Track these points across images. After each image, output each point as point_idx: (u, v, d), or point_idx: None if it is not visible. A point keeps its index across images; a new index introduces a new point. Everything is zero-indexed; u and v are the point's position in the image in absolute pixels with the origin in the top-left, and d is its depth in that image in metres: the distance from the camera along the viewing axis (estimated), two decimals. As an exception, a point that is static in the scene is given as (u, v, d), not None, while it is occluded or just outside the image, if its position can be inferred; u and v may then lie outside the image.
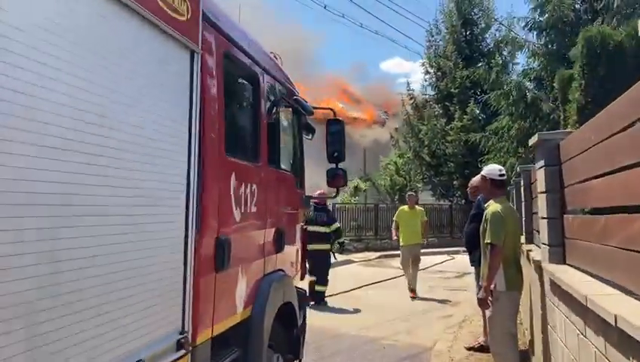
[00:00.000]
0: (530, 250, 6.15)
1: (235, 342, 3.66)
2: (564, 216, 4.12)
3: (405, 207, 11.77)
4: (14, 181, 1.65)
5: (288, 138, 5.26)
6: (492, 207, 5.12)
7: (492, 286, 4.97)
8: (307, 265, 10.59)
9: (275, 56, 5.40)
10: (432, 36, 26.84)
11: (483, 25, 25.61)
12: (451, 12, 25.72)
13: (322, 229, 10.36)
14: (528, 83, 15.57)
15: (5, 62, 1.61)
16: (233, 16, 3.99)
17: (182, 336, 2.73)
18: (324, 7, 20.02)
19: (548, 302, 4.58)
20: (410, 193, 12.81)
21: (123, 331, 2.23)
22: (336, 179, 5.57)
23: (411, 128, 25.77)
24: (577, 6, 14.09)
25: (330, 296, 10.55)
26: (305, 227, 5.77)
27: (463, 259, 12.42)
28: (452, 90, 24.60)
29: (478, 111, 23.85)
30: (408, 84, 27.40)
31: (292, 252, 5.17)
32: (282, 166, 4.83)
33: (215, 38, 3.27)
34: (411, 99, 26.45)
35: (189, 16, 2.75)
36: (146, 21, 2.38)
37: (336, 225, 10.97)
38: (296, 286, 5.57)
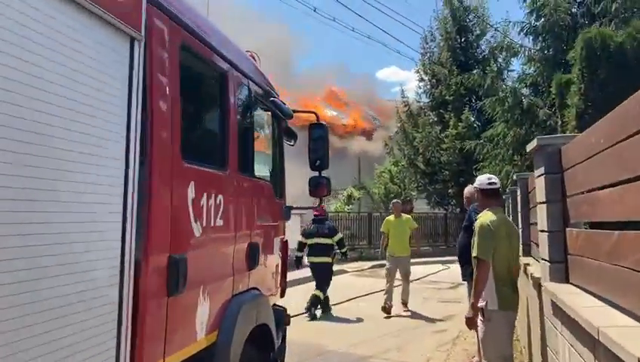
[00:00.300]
0: (528, 264, 5.74)
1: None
2: (567, 229, 3.71)
3: (391, 217, 10.92)
4: None
5: (265, 144, 4.85)
6: (482, 218, 4.71)
7: (483, 304, 4.57)
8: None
9: (252, 56, 5.01)
10: (427, 43, 26.57)
11: (478, 32, 25.32)
12: (446, 19, 25.43)
13: (324, 241, 10.35)
14: (524, 89, 15.21)
15: None
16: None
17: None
18: (314, 10, 19.29)
19: (548, 324, 4.16)
20: (394, 201, 11.84)
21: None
22: (319, 187, 5.16)
23: (406, 136, 25.40)
24: (574, 10, 13.76)
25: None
26: (286, 240, 5.33)
27: (457, 269, 11.94)
28: (447, 97, 24.26)
29: (473, 119, 23.52)
30: (402, 91, 27.09)
31: (269, 268, 4.74)
32: (257, 174, 4.41)
33: (168, 26, 2.85)
34: (406, 106, 26.09)
35: (128, -2, 2.34)
36: (70, 1, 1.97)
37: (339, 235, 10.77)
38: (275, 305, 5.15)
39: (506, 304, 4.57)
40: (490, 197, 4.81)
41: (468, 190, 7.09)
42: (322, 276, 10.36)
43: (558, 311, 3.44)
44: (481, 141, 17.56)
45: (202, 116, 3.59)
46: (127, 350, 2.32)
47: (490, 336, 4.66)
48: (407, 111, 26.04)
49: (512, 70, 21.56)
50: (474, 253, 4.59)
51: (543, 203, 3.96)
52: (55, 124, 1.87)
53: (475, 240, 4.60)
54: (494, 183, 4.82)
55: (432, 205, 25.80)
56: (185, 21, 3.06)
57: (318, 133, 5.10)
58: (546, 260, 3.98)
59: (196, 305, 3.17)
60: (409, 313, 10.13)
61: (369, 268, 18.71)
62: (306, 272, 16.68)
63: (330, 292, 10.59)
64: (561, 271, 3.78)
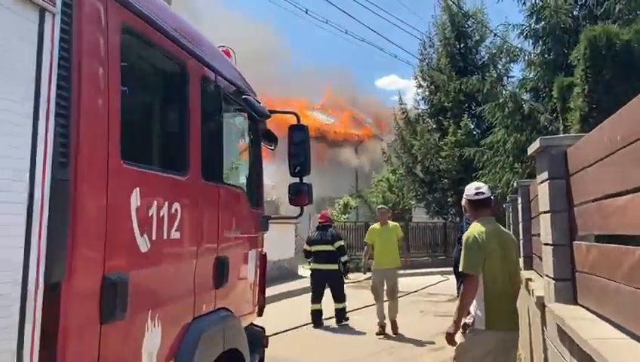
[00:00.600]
0: (531, 279, 5.27)
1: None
2: (574, 242, 3.26)
3: (376, 225, 9.85)
4: None
5: (238, 147, 4.41)
6: (469, 230, 4.29)
7: (470, 320, 4.11)
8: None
9: (226, 52, 4.59)
10: (425, 49, 26.14)
11: (477, 37, 24.93)
12: (444, 24, 25.04)
13: (327, 248, 10.08)
14: (525, 94, 14.74)
15: None
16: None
17: None
18: (306, 12, 18.80)
19: (552, 348, 3.70)
20: (380, 207, 10.75)
21: None
22: (300, 195, 4.69)
23: (404, 143, 24.94)
24: (575, 13, 13.33)
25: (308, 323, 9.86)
26: (265, 253, 4.87)
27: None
28: (445, 103, 23.83)
29: (472, 126, 23.07)
30: (400, 97, 26.66)
31: (243, 285, 4.28)
32: (228, 180, 3.97)
33: (104, 3, 2.41)
34: (404, 113, 25.65)
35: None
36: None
37: (340, 242, 10.32)
38: (253, 325, 4.69)
39: (495, 323, 4.06)
40: (479, 207, 4.39)
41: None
42: (334, 282, 10.07)
43: (566, 338, 2.97)
44: (481, 148, 17.10)
45: (153, 112, 3.13)
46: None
47: (470, 357, 4.16)
48: (405, 118, 25.58)
49: (512, 77, 21.17)
50: (460, 268, 4.20)
51: (547, 212, 3.51)
52: None
53: (462, 253, 4.21)
54: (483, 193, 4.40)
55: (431, 214, 25.27)
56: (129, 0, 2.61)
57: (299, 135, 4.65)
58: (550, 277, 3.53)
59: (142, 332, 2.70)
60: (398, 334, 9.13)
61: (365, 280, 18.13)
62: (300, 283, 16.33)
63: (324, 304, 10.17)
64: (568, 290, 3.32)
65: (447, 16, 24.92)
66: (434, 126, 24.90)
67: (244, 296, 4.34)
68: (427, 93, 25.25)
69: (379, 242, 9.41)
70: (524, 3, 14.44)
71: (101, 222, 2.34)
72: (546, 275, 3.68)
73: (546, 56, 13.82)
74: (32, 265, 1.88)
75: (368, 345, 8.42)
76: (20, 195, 1.84)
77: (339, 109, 36.11)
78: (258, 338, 4.59)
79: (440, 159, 23.29)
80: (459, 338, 4.20)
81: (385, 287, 9.32)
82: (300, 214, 4.83)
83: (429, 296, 14.31)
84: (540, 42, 13.90)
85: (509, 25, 14.73)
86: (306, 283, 16.59)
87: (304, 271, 20.30)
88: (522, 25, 14.20)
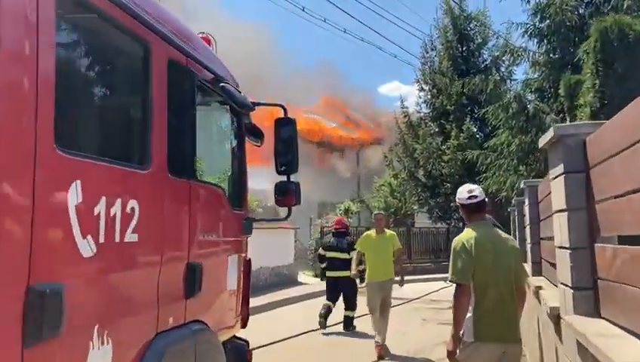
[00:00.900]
0: (540, 287, 4.83)
1: None
2: (596, 245, 2.82)
3: (372, 232, 8.67)
4: None
5: (217, 140, 3.99)
6: (459, 235, 3.99)
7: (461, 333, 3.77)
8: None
9: (206, 39, 4.19)
10: (427, 52, 25.77)
11: (480, 40, 24.54)
12: (446, 27, 24.66)
13: (343, 255, 9.85)
14: (529, 94, 14.30)
15: None
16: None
17: None
18: (303, 10, 18.35)
19: (570, 365, 3.25)
20: (377, 213, 9.57)
21: None
22: (287, 195, 4.25)
23: (406, 147, 24.51)
24: (581, 10, 12.89)
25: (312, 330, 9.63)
26: (249, 259, 4.44)
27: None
28: (448, 106, 23.41)
29: (475, 129, 22.63)
30: (402, 101, 26.24)
31: (222, 294, 3.86)
32: (202, 177, 3.55)
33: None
34: (405, 116, 25.23)
35: None
36: None
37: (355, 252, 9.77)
38: (235, 338, 4.26)
39: (485, 334, 3.69)
40: (472, 211, 4.03)
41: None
42: (347, 289, 9.83)
43: (589, 357, 2.53)
44: (484, 151, 16.64)
45: (103, 94, 2.71)
46: None
47: None
48: (407, 121, 25.16)
49: (515, 80, 20.73)
50: (448, 277, 3.88)
51: (563, 211, 3.07)
52: None
53: (450, 261, 3.91)
54: (476, 196, 4.03)
55: (433, 219, 24.81)
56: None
57: (286, 130, 4.21)
58: (566, 285, 3.09)
59: (85, 353, 2.27)
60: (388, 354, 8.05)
61: (363, 287, 17.72)
62: (299, 290, 15.88)
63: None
64: (589, 300, 2.89)
65: (448, 19, 24.55)
66: (436, 129, 24.48)
67: (223, 307, 3.91)
68: (429, 96, 24.84)
69: (373, 253, 8.32)
70: (528, 1, 14.04)
71: (24, 221, 1.92)
72: (562, 283, 3.24)
73: (551, 55, 13.38)
74: None
75: (367, 355, 7.97)
76: None
77: (338, 112, 35.68)
78: (241, 353, 4.16)
79: (442, 163, 22.85)
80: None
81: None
82: (288, 215, 4.40)
83: (432, 303, 13.83)
84: (545, 41, 13.44)
85: (513, 23, 14.30)
86: (306, 289, 16.23)
87: (305, 277, 19.87)
88: (526, 24, 13.78)
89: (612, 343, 2.25)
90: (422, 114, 25.39)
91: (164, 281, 2.90)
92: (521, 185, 6.92)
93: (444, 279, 17.55)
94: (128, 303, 2.63)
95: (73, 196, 2.17)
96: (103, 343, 2.38)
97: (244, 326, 4.36)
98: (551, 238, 4.79)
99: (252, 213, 14.19)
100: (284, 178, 4.21)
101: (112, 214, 2.43)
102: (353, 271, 9.06)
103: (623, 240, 2.63)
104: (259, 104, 4.25)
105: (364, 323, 10.16)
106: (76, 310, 2.13)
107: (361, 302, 9.46)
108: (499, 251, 3.82)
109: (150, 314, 2.81)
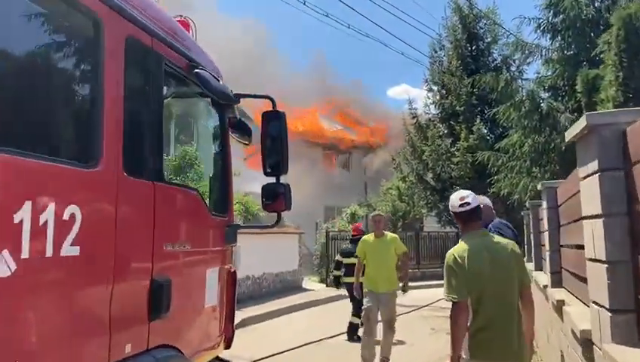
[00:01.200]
0: (564, 302, 4.30)
1: None
2: (641, 259, 2.31)
3: (370, 236, 7.54)
4: None
5: (196, 137, 3.51)
6: (451, 249, 3.71)
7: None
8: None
9: (184, 22, 3.75)
10: (436, 52, 25.18)
11: (489, 39, 23.94)
12: (455, 26, 24.09)
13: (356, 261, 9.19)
14: (542, 92, 13.70)
15: None
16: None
17: None
18: (304, 3, 17.73)
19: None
20: (375, 213, 8.20)
21: None
22: (276, 199, 3.75)
23: (414, 150, 23.93)
24: (597, 4, 12.28)
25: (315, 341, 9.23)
26: (234, 270, 3.95)
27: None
28: (457, 107, 22.79)
29: (485, 130, 22.00)
30: (410, 102, 25.66)
31: (199, 312, 3.37)
32: (171, 178, 3.08)
33: None
34: (414, 118, 24.67)
35: None
36: None
37: None
38: (218, 359, 3.78)
39: (481, 352, 3.46)
40: (467, 220, 3.70)
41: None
42: (355, 297, 9.34)
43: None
44: (495, 152, 16.04)
45: (35, 74, 2.22)
46: None
47: None
48: (415, 123, 24.59)
49: (527, 79, 20.10)
50: (443, 295, 3.67)
51: (597, 216, 2.56)
52: None
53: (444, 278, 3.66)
54: (468, 203, 3.67)
55: (442, 223, 24.19)
56: None
57: (275, 125, 3.72)
58: (601, 306, 2.57)
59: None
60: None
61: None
62: (304, 297, 15.40)
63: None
64: (631, 326, 2.37)
65: (457, 18, 23.98)
66: (445, 131, 23.84)
67: (201, 327, 3.43)
68: (438, 97, 24.24)
69: (371, 258, 7.29)
70: (540, -5, 13.45)
71: None
72: (594, 302, 2.72)
73: (565, 51, 12.79)
74: None
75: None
76: None
77: (344, 114, 35.16)
78: (222, 378, 3.68)
79: (452, 166, 22.24)
80: None
81: (380, 317, 7.26)
82: (277, 221, 3.88)
83: (442, 311, 13.25)
84: (559, 36, 12.82)
85: (525, 18, 13.69)
86: (310, 296, 15.73)
87: (310, 283, 19.36)
88: (539, 18, 13.19)
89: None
90: (430, 115, 24.80)
91: (117, 302, 2.42)
92: (539, 187, 6.38)
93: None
94: (67, 329, 2.15)
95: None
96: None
97: (227, 346, 3.88)
98: (573, 246, 4.28)
99: (253, 220, 13.66)
100: (272, 179, 3.74)
101: (40, 223, 1.96)
102: (355, 282, 7.85)
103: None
104: (243, 95, 3.77)
105: (339, 343, 9.71)
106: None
107: (337, 315, 9.03)
108: (497, 260, 3.52)
109: (99, 341, 2.33)
